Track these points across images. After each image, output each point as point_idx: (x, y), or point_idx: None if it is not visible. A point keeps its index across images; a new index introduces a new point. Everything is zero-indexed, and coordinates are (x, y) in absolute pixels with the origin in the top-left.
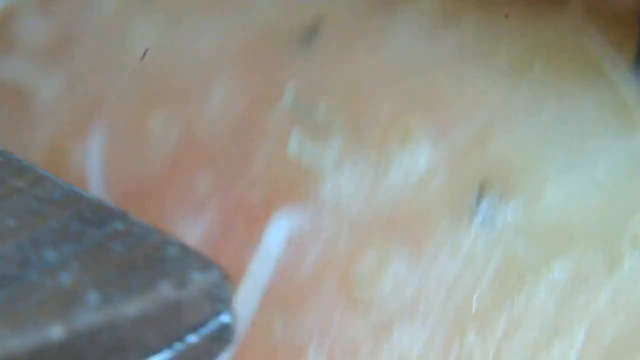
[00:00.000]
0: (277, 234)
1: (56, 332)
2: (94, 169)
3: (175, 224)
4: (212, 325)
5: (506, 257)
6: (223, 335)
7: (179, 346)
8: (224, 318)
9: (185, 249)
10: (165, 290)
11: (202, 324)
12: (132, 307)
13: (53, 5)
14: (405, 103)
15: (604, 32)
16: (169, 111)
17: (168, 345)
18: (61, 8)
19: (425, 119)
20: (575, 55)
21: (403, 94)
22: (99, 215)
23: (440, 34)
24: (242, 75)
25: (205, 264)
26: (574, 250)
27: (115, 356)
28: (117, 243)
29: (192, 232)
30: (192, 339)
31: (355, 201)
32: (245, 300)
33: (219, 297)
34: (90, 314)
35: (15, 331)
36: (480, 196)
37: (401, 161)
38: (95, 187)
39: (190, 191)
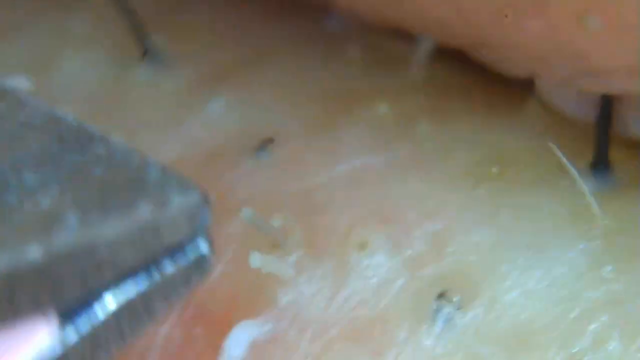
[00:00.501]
0: (238, 343)
1: (34, 253)
2: None
3: None
4: (189, 253)
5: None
6: (200, 263)
7: (155, 274)
8: (202, 247)
9: (165, 172)
10: (145, 212)
11: (180, 249)
12: (111, 229)
13: None
14: (361, 212)
15: (560, 138)
16: None
17: (145, 268)
18: None
19: (382, 228)
20: (533, 160)
21: (359, 203)
22: (79, 138)
23: (394, 143)
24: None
25: (185, 186)
26: (535, 350)
27: (92, 276)
28: (98, 166)
29: (152, 340)
30: (169, 267)
31: (316, 310)
32: None
33: (198, 220)
34: (69, 236)
35: None
36: (440, 301)
37: (360, 270)
38: None
39: None
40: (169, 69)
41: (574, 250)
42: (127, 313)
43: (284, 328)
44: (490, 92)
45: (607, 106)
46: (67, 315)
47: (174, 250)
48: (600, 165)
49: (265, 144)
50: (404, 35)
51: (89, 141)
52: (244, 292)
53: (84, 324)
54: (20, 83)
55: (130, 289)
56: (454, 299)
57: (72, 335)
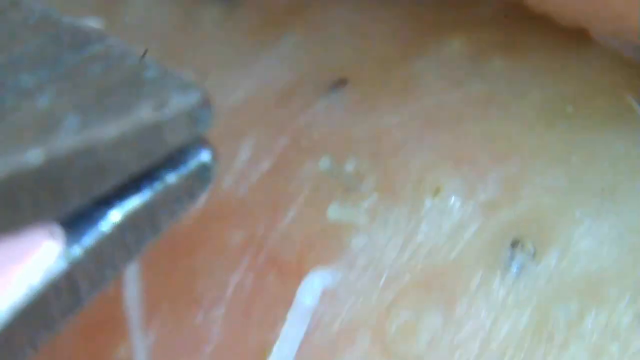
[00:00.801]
0: (311, 289)
1: (35, 156)
2: None
3: (207, 280)
4: (190, 160)
5: (539, 309)
6: (202, 171)
7: (158, 183)
8: (203, 153)
9: (164, 71)
10: (145, 112)
11: (181, 156)
12: (111, 130)
13: None
14: (434, 156)
15: (629, 80)
16: None
17: (147, 176)
18: None
19: (456, 172)
20: (604, 102)
21: (432, 146)
22: (76, 38)
23: (466, 83)
24: (269, 130)
25: (184, 85)
26: (607, 300)
27: (94, 180)
28: (95, 66)
29: (225, 287)
30: (171, 175)
31: (389, 257)
32: (282, 354)
33: (199, 119)
34: (69, 138)
35: None
36: (513, 248)
37: (433, 216)
38: None
39: (221, 247)
40: (240, 8)
41: None
42: (132, 226)
43: (357, 275)
44: (558, 35)
45: None
46: (71, 229)
47: (175, 156)
48: None
49: (337, 84)
50: None
51: (86, 41)
52: (316, 239)
53: (89, 237)
54: (92, 23)
55: (134, 200)
56: (528, 246)
57: (76, 249)
